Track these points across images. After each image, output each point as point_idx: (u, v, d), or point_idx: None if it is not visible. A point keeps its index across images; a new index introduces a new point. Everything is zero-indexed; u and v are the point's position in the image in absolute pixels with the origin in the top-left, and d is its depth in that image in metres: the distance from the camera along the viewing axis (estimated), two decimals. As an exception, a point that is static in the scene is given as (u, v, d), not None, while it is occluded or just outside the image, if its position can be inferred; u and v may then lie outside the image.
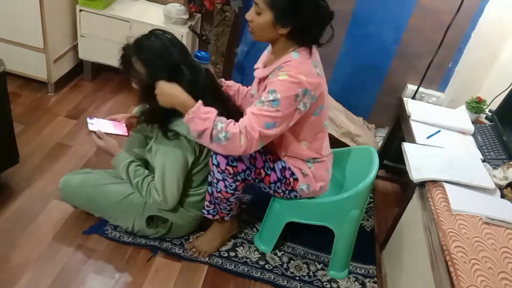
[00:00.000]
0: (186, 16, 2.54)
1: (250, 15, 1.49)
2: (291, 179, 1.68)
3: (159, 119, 1.60)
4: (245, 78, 2.90)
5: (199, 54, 2.24)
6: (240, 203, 2.02)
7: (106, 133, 1.70)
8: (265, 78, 1.55)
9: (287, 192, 1.71)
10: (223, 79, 1.82)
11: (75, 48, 2.70)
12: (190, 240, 1.90)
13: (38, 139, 2.29)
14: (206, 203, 1.77)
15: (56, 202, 1.95)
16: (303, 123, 1.56)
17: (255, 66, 1.67)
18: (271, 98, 1.42)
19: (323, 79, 1.54)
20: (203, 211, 1.79)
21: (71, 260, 1.73)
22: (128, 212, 1.78)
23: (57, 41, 2.53)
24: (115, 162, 1.71)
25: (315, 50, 1.55)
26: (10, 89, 2.16)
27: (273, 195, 1.78)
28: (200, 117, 1.40)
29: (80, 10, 2.54)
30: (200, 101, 1.43)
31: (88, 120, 1.72)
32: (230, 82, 1.84)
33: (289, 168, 1.67)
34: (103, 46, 2.61)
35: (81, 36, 2.63)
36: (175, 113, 1.50)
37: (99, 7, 2.52)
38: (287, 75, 1.43)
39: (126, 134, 1.75)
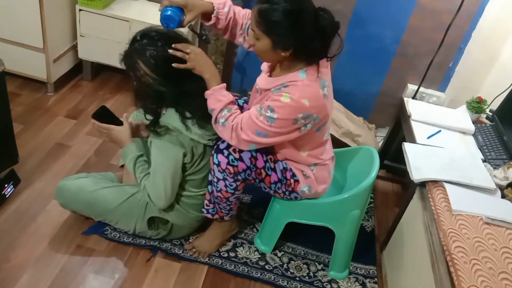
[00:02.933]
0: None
1: (250, 40, 1.46)
2: (292, 180, 1.67)
3: (150, 118, 1.60)
4: (245, 78, 2.90)
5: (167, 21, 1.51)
6: (240, 203, 2.01)
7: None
8: (267, 90, 1.54)
9: (287, 193, 1.71)
10: (215, 5, 1.59)
11: (74, 47, 2.69)
12: (190, 241, 1.90)
13: (38, 139, 2.28)
14: (206, 202, 1.77)
15: (55, 202, 1.94)
16: (304, 137, 1.55)
17: (262, 67, 1.64)
18: (268, 114, 1.43)
19: (330, 97, 1.53)
20: (203, 210, 1.79)
21: (71, 260, 1.73)
22: (129, 215, 1.78)
23: (56, 41, 2.52)
24: (124, 152, 1.69)
25: (325, 65, 1.51)
26: (10, 89, 2.16)
27: (273, 195, 1.77)
28: (217, 97, 1.50)
29: (80, 10, 2.53)
30: (224, 84, 1.52)
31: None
32: (222, 15, 1.61)
33: (290, 169, 1.66)
34: (103, 46, 2.61)
35: (81, 35, 2.62)
36: (163, 103, 1.58)
37: (99, 7, 2.51)
38: (290, 98, 1.41)
39: None
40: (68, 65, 2.71)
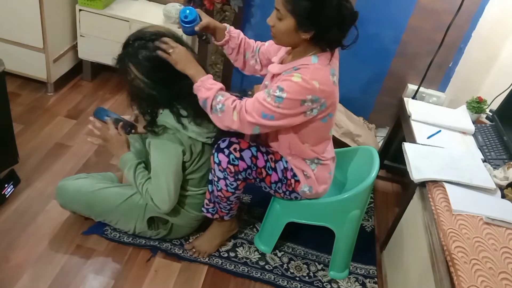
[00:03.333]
0: (186, 16, 2.53)
1: (271, 20, 1.46)
2: (293, 180, 1.67)
3: (148, 118, 1.61)
4: (245, 78, 2.90)
5: (185, 20, 1.59)
6: (240, 203, 2.01)
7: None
8: (279, 74, 1.54)
9: (287, 192, 1.71)
10: (227, 25, 1.70)
11: (74, 47, 2.69)
12: (190, 241, 1.90)
13: (38, 139, 2.28)
14: (206, 201, 1.76)
15: (55, 202, 1.94)
16: (309, 126, 1.55)
17: (273, 60, 1.65)
18: (277, 94, 1.43)
19: (337, 87, 1.53)
20: (203, 209, 1.78)
21: (71, 260, 1.73)
22: (129, 215, 1.78)
23: (56, 41, 2.52)
24: (122, 161, 1.69)
25: (335, 56, 1.52)
26: (10, 89, 2.16)
27: (273, 195, 1.77)
28: (206, 87, 1.50)
29: (80, 10, 2.53)
30: (210, 74, 1.53)
31: (99, 110, 1.72)
32: (235, 33, 1.72)
33: (291, 169, 1.66)
34: (103, 46, 2.61)
35: (81, 35, 2.62)
36: (158, 105, 1.60)
37: (99, 7, 2.51)
38: (301, 78, 1.42)
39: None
40: (68, 65, 2.72)
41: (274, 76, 1.59)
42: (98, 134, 1.71)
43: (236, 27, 1.75)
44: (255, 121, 1.47)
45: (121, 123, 1.74)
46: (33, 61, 2.50)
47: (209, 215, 1.78)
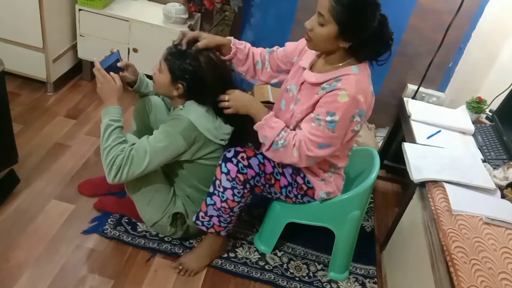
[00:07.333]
0: (186, 16, 2.53)
1: (311, 24, 1.43)
2: (304, 186, 1.67)
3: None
4: (245, 78, 2.90)
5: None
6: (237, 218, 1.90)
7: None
8: (317, 84, 1.51)
9: (299, 196, 1.70)
10: (232, 38, 1.72)
11: (74, 47, 2.69)
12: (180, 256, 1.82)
13: (37, 139, 2.28)
14: (201, 213, 1.69)
15: (55, 202, 1.95)
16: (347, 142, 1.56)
17: (301, 64, 1.61)
18: (329, 119, 1.43)
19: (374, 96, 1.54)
20: (197, 222, 1.71)
21: (71, 260, 1.73)
22: (164, 201, 1.74)
23: (56, 41, 2.52)
24: (106, 111, 1.58)
25: (370, 65, 1.52)
26: (9, 88, 2.16)
27: (284, 200, 1.76)
28: (270, 125, 1.52)
29: (80, 10, 2.53)
30: (272, 112, 1.57)
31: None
32: (241, 45, 1.73)
33: (304, 176, 1.66)
34: (103, 46, 2.60)
35: (80, 35, 2.62)
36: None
37: (99, 7, 2.51)
38: (348, 96, 1.41)
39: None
40: (67, 65, 2.71)
41: (304, 82, 1.56)
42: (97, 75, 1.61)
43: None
44: (313, 154, 1.48)
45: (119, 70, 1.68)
46: (32, 61, 2.49)
47: (203, 228, 1.71)
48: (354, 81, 1.43)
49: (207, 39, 1.60)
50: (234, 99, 1.57)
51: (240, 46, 1.71)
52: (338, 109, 1.42)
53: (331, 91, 1.44)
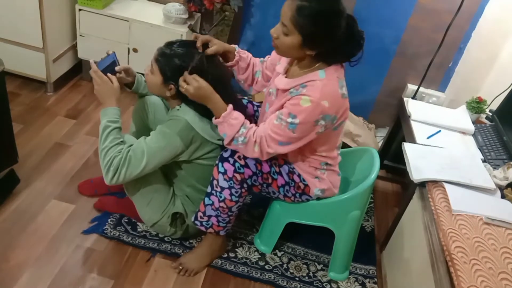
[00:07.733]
0: (186, 16, 2.53)
1: (276, 32, 1.43)
2: (301, 184, 1.67)
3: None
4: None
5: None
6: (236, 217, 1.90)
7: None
8: (285, 90, 1.52)
9: (297, 195, 1.70)
10: (236, 46, 1.74)
11: (74, 47, 2.69)
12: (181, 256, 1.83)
13: (37, 139, 2.28)
14: (200, 214, 1.69)
15: (55, 202, 1.95)
16: (321, 137, 1.55)
17: (277, 69, 1.63)
18: (289, 120, 1.44)
19: (347, 98, 1.52)
20: (196, 222, 1.72)
21: (71, 260, 1.73)
22: (163, 201, 1.74)
23: (56, 41, 2.52)
24: (104, 112, 1.58)
25: (342, 66, 1.52)
26: (9, 88, 2.16)
27: (283, 200, 1.76)
28: (229, 122, 1.51)
29: (80, 10, 2.53)
30: (231, 106, 1.53)
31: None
32: (244, 54, 1.76)
33: (299, 175, 1.67)
34: (103, 46, 2.60)
35: (80, 35, 2.62)
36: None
37: (98, 7, 2.51)
38: (310, 101, 1.41)
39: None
40: (67, 65, 2.71)
41: (279, 91, 1.57)
42: (94, 77, 1.62)
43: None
44: (273, 151, 1.50)
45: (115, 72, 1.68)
46: (32, 61, 2.49)
47: (202, 228, 1.71)
48: (320, 86, 1.43)
49: (217, 45, 1.62)
50: (196, 88, 1.49)
51: (243, 55, 1.74)
52: (300, 113, 1.42)
53: (297, 96, 1.45)
